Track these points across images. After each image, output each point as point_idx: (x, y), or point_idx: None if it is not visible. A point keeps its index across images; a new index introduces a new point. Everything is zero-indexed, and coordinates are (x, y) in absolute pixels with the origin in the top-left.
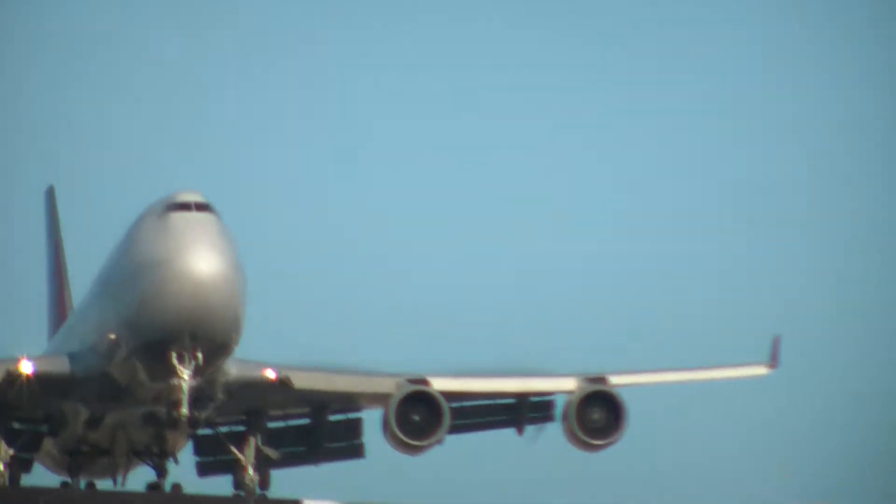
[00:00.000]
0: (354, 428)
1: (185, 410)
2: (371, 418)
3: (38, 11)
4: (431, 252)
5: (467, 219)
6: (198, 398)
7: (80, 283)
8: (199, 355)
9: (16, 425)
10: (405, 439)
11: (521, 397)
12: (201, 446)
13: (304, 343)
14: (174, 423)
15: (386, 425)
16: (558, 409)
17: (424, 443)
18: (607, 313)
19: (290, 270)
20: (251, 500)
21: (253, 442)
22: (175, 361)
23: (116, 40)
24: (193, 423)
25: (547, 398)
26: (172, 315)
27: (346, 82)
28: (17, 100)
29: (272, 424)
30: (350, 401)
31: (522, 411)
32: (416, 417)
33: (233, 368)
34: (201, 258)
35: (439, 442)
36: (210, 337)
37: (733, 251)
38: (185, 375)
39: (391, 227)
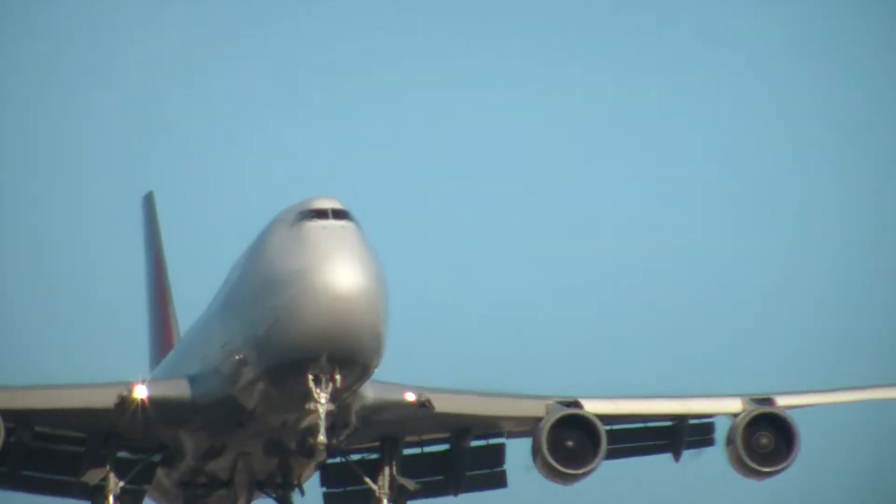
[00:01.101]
0: (496, 455)
1: (322, 438)
2: (513, 445)
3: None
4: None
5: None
6: (333, 425)
7: (184, 298)
8: (338, 378)
9: (127, 455)
10: (559, 467)
11: (680, 419)
12: (329, 476)
13: (428, 364)
14: (310, 452)
15: (536, 452)
16: (718, 433)
17: (580, 471)
18: (760, 332)
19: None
20: None
21: (388, 471)
22: (311, 385)
23: (223, 40)
24: (331, 451)
25: (707, 420)
26: (311, 334)
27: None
28: (111, 103)
29: (407, 451)
30: (493, 425)
31: (680, 435)
32: (570, 443)
33: (370, 391)
34: (342, 271)
35: (594, 470)
36: (351, 358)
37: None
38: (323, 400)
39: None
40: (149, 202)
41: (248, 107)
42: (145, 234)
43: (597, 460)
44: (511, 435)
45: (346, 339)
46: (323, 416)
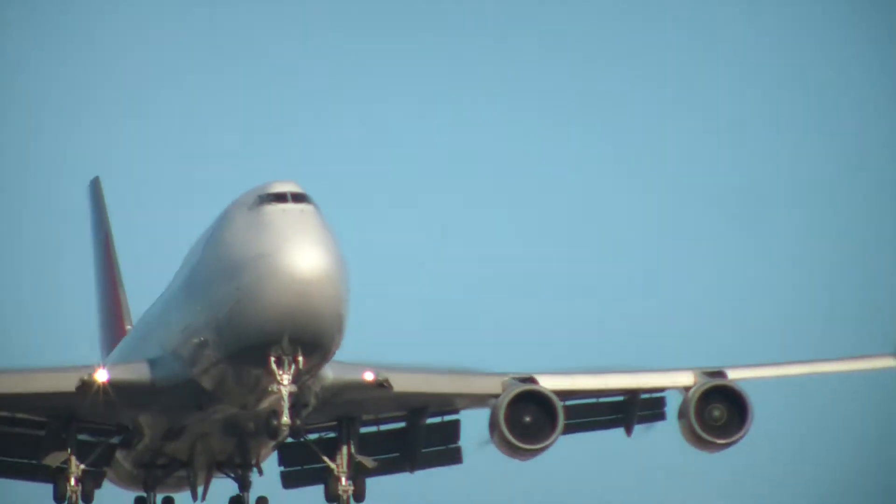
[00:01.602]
0: (452, 431)
1: (286, 419)
2: (467, 419)
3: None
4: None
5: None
6: (293, 405)
7: (134, 282)
8: (300, 359)
9: (87, 437)
10: (517, 443)
11: (632, 394)
12: (287, 456)
13: (381, 342)
14: (273, 433)
15: (494, 427)
16: (669, 407)
17: (538, 446)
18: (708, 308)
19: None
20: None
21: (346, 450)
22: (274, 367)
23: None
24: (293, 432)
25: (658, 395)
26: (273, 316)
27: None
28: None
29: (363, 430)
30: (448, 403)
31: (632, 409)
32: (528, 419)
33: (329, 372)
34: (303, 254)
35: (551, 445)
36: (313, 340)
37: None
38: (286, 381)
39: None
40: (95, 188)
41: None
42: (92, 219)
43: (554, 435)
44: (466, 409)
45: (308, 321)
46: (286, 397)
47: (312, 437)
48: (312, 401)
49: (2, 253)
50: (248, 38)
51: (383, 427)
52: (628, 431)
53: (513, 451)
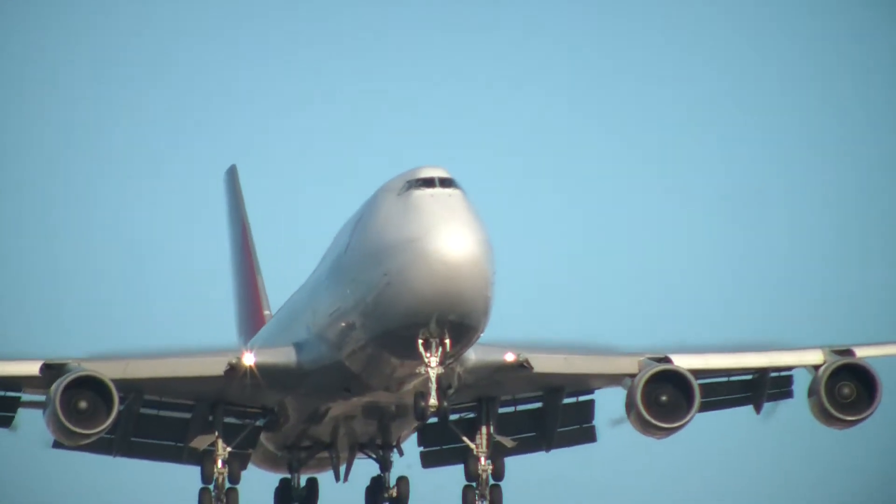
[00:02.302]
0: (587, 411)
1: (434, 401)
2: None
3: None
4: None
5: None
6: (417, 395)
7: (270, 269)
8: (447, 342)
9: (233, 420)
10: (654, 421)
11: (761, 373)
12: (426, 436)
13: (516, 323)
14: (421, 414)
15: (631, 406)
16: (796, 385)
17: (674, 424)
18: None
19: None
20: (485, 491)
21: (485, 430)
22: (421, 349)
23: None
24: (439, 413)
25: (786, 374)
26: (423, 299)
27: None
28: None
29: (501, 410)
30: (585, 382)
31: (762, 388)
32: (664, 398)
33: (471, 354)
34: (453, 238)
35: (687, 423)
36: (461, 322)
37: None
38: (433, 363)
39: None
40: (232, 176)
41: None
42: (229, 207)
43: (690, 414)
44: (601, 388)
45: (457, 303)
46: (434, 379)
47: (453, 417)
48: (456, 382)
49: (142, 242)
50: (383, 24)
51: (520, 407)
52: (757, 409)
53: (649, 429)
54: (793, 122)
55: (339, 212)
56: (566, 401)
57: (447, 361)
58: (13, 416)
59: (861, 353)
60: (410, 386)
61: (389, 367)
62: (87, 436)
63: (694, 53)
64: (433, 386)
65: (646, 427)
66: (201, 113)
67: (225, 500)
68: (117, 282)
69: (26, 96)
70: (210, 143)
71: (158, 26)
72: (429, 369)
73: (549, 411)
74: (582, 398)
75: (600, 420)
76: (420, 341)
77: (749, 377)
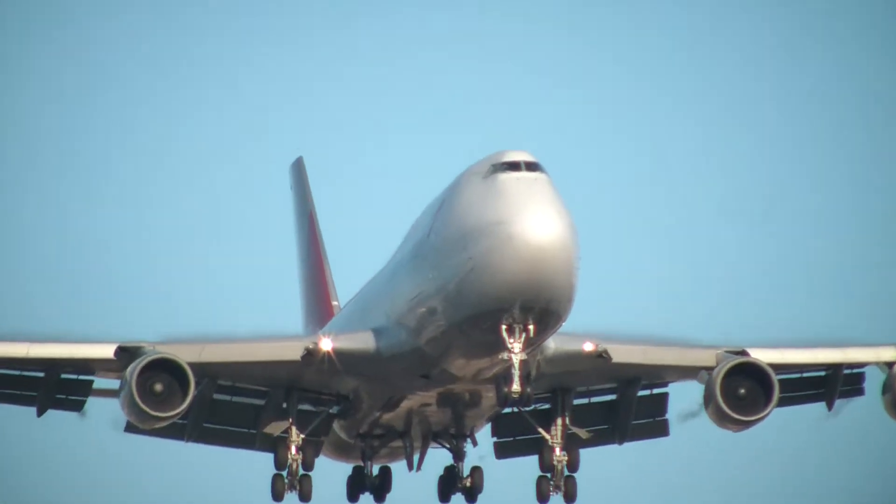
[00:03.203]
0: (660, 404)
1: (516, 387)
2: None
3: None
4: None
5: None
6: (500, 381)
7: (338, 261)
8: (531, 327)
9: (306, 407)
10: (732, 414)
11: (835, 369)
12: (501, 427)
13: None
14: (503, 400)
15: (709, 398)
16: (868, 382)
17: (752, 418)
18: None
19: None
20: (560, 482)
21: (560, 421)
22: (505, 334)
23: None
24: (523, 400)
25: (858, 371)
26: (509, 283)
27: None
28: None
29: (575, 402)
30: (659, 375)
31: (835, 384)
32: (742, 391)
33: (551, 342)
34: (541, 221)
35: (766, 417)
36: (546, 308)
37: None
38: (517, 349)
39: None
40: (298, 167)
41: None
42: (296, 198)
43: (769, 408)
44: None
45: (543, 288)
46: (517, 365)
47: (527, 408)
48: (534, 371)
49: (209, 234)
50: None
51: (594, 399)
52: (829, 406)
53: (727, 422)
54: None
55: (407, 204)
56: (640, 393)
57: (530, 348)
58: (85, 401)
59: None
60: (490, 373)
61: (470, 353)
62: (162, 419)
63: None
64: (517, 372)
65: (723, 420)
66: (269, 107)
67: (299, 487)
68: (184, 272)
69: (106, 91)
70: (277, 136)
71: (231, 25)
72: (512, 355)
73: (624, 404)
74: (656, 391)
75: (673, 414)
76: (504, 327)
77: (822, 374)
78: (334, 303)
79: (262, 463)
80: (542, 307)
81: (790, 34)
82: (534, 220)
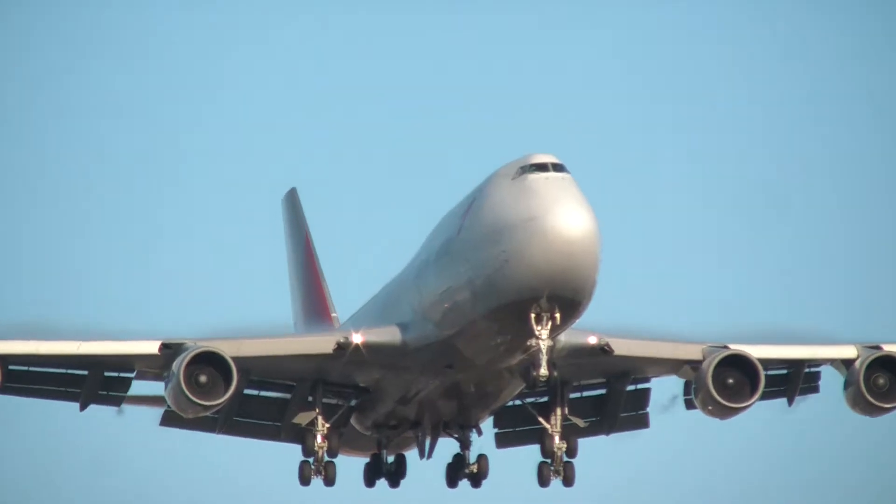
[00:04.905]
0: (642, 398)
1: (544, 370)
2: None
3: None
4: None
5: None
6: (528, 366)
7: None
8: (557, 316)
9: (329, 401)
10: (723, 401)
11: (797, 367)
12: (502, 418)
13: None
14: (532, 383)
15: (700, 388)
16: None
17: (742, 404)
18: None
19: None
20: (559, 467)
21: (559, 411)
22: (533, 322)
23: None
24: (550, 383)
25: (815, 370)
26: (539, 274)
27: None
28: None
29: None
30: (645, 370)
31: (795, 381)
32: (731, 381)
33: (561, 335)
34: (571, 215)
35: (751, 405)
36: (573, 297)
37: None
38: (544, 336)
39: None
40: (292, 198)
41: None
42: (289, 227)
43: (755, 396)
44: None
45: (571, 279)
46: (545, 350)
47: (528, 401)
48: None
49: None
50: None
51: (586, 393)
52: (790, 402)
53: (718, 409)
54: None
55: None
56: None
57: (554, 334)
58: (123, 396)
59: (888, 348)
60: (511, 361)
61: (495, 342)
62: (207, 407)
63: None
64: (544, 357)
65: (715, 407)
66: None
67: (324, 472)
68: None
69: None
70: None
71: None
72: (540, 341)
73: (613, 397)
74: (640, 386)
75: (652, 408)
76: (532, 315)
77: (784, 371)
78: (334, 314)
79: (285, 454)
80: (569, 297)
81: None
82: (565, 216)
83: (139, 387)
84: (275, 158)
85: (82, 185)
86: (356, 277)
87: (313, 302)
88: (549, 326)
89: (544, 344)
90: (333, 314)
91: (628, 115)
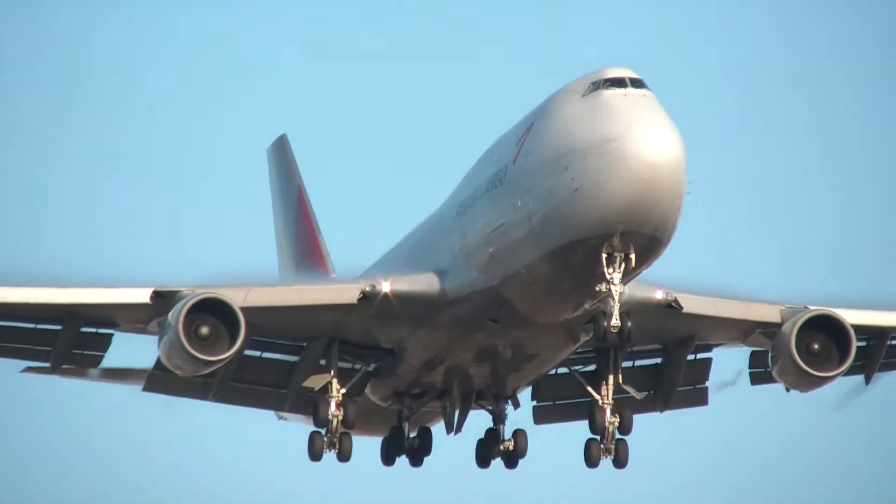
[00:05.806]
0: (702, 371)
1: (616, 321)
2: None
3: None
4: None
5: None
6: (593, 318)
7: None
8: (633, 256)
9: (344, 365)
10: (807, 369)
11: (878, 337)
12: (542, 389)
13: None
14: (602, 335)
15: (780, 354)
16: None
17: (829, 374)
18: None
19: None
20: (611, 445)
21: (612, 380)
22: (605, 264)
23: None
24: (623, 337)
25: None
26: (615, 205)
27: None
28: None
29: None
30: (711, 335)
31: (875, 354)
32: (816, 346)
33: (625, 287)
34: (657, 137)
35: (840, 375)
36: (653, 233)
37: None
38: (616, 280)
39: None
40: (282, 145)
41: None
42: (280, 175)
43: (845, 364)
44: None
45: (654, 211)
46: (617, 297)
47: (563, 370)
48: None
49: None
50: None
51: (639, 363)
52: (867, 380)
53: (800, 379)
54: None
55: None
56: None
57: (627, 279)
58: (102, 356)
59: None
60: (570, 314)
61: (555, 288)
62: (212, 363)
63: None
64: (616, 305)
65: (798, 376)
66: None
67: (338, 445)
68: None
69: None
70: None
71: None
72: (611, 286)
73: (671, 367)
74: (700, 356)
75: (712, 383)
76: (604, 255)
77: (863, 343)
78: (332, 275)
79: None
80: (649, 233)
81: None
82: (649, 137)
83: (112, 358)
84: (265, 103)
85: (60, 128)
86: (356, 238)
87: (308, 263)
88: (622, 269)
89: (616, 289)
90: (332, 275)
91: None
